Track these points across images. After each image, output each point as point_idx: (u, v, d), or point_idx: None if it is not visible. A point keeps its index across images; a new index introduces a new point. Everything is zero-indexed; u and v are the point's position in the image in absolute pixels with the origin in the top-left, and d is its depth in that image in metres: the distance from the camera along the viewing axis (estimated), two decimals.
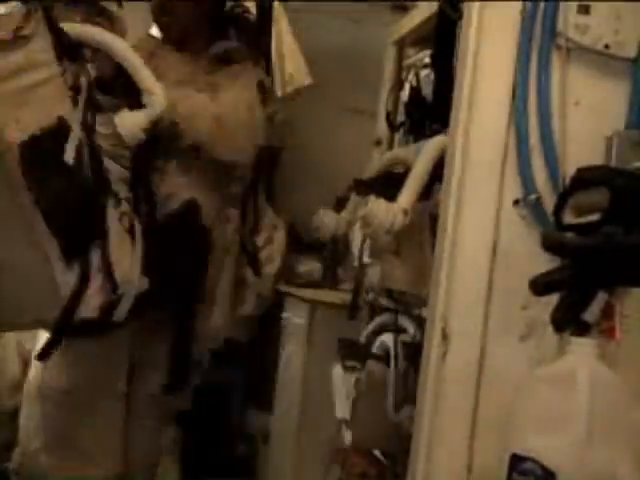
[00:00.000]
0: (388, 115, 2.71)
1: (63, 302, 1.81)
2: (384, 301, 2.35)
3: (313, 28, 3.45)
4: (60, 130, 1.81)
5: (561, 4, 1.66)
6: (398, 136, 2.89)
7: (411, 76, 2.57)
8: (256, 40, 2.75)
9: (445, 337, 1.66)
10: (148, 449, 2.50)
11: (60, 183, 1.80)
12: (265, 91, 2.59)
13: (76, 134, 1.82)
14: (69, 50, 1.86)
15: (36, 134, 1.76)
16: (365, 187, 2.37)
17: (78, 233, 1.83)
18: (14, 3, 1.77)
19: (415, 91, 2.47)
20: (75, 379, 2.29)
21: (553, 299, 1.38)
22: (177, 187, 2.38)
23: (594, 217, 1.35)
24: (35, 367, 2.59)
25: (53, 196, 1.78)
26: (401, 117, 2.90)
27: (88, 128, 1.88)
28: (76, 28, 2.03)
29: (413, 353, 2.08)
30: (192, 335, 2.41)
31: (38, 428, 2.41)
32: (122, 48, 2.13)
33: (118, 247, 1.92)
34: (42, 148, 1.77)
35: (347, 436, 2.45)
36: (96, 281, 1.85)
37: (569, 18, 1.66)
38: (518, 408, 1.36)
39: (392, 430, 2.20)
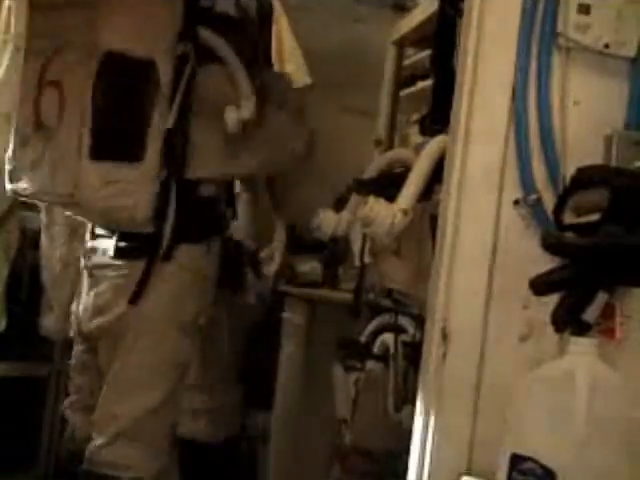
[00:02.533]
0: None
1: None
2: (384, 301, 2.36)
3: (313, 28, 3.45)
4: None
5: (561, 4, 1.67)
6: (398, 136, 2.90)
7: None
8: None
9: (445, 337, 1.66)
10: None
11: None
12: None
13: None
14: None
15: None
16: (365, 187, 2.37)
17: None
18: None
19: None
20: None
21: (553, 299, 1.38)
22: None
23: (594, 217, 1.35)
24: None
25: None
26: (401, 117, 2.91)
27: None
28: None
29: (413, 353, 2.08)
30: None
31: None
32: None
33: None
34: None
35: (347, 436, 2.45)
36: None
37: (569, 18, 1.66)
38: (518, 408, 1.36)
39: (392, 429, 2.21)
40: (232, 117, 2.28)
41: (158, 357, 2.30)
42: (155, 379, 2.30)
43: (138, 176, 2.26)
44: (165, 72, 2.26)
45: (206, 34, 2.32)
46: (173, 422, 2.40)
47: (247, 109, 2.28)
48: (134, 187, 2.26)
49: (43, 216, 2.92)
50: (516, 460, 1.31)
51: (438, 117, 2.17)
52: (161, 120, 2.25)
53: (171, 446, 2.36)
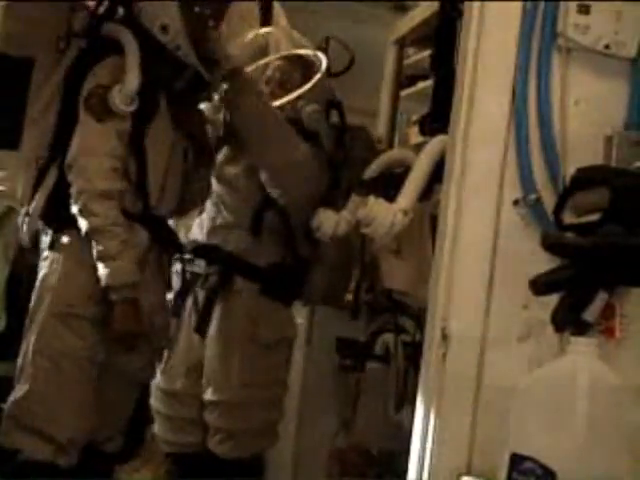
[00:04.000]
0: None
1: None
2: (384, 301, 2.36)
3: (313, 28, 3.45)
4: None
5: (561, 4, 1.67)
6: (398, 136, 2.90)
7: None
8: None
9: (445, 337, 1.66)
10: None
11: None
12: None
13: None
14: None
15: None
16: (365, 187, 2.37)
17: None
18: None
19: None
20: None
21: (553, 299, 1.38)
22: None
23: (594, 217, 1.35)
24: None
25: None
26: (401, 117, 2.91)
27: None
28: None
29: (413, 353, 2.08)
30: None
31: None
32: None
33: None
34: None
35: (347, 436, 2.46)
36: None
37: (569, 18, 1.66)
38: (518, 408, 1.36)
39: (392, 429, 2.21)
40: (116, 96, 2.28)
41: (37, 346, 2.36)
42: (31, 369, 2.35)
43: (16, 163, 2.43)
44: (41, 68, 2.39)
45: (109, 27, 2.36)
46: (74, 410, 2.33)
47: (129, 83, 2.27)
48: (13, 174, 2.45)
49: None
50: (516, 460, 1.31)
51: (438, 117, 2.17)
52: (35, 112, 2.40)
53: (70, 433, 2.30)
